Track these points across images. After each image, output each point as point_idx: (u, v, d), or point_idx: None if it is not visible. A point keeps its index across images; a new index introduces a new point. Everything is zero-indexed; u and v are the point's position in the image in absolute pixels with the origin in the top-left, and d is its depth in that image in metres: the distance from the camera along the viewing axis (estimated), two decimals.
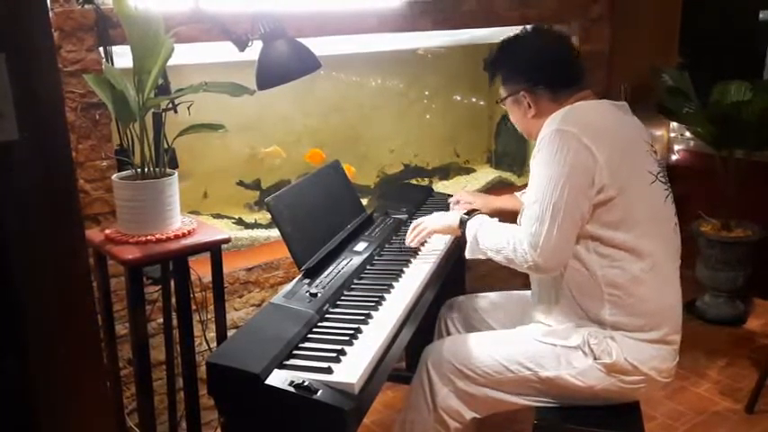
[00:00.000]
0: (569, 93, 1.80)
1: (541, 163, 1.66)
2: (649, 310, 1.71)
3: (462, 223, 1.87)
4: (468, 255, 1.82)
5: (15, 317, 0.91)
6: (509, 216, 2.12)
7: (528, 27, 1.88)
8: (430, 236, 2.01)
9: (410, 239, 1.98)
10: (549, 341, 1.75)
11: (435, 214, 2.01)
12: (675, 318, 1.76)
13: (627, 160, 1.68)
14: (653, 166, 1.76)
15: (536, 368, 1.73)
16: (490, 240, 1.74)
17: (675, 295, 1.78)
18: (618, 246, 1.68)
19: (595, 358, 1.70)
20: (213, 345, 2.13)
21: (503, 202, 2.29)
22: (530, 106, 1.83)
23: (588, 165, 1.63)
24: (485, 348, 1.79)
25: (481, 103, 3.61)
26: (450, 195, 2.54)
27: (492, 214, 2.18)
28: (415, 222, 2.01)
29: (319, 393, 1.30)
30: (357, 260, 1.87)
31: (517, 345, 1.78)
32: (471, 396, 1.78)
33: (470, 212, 1.90)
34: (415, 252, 1.99)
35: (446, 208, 2.36)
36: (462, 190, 2.43)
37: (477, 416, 1.81)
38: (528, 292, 2.05)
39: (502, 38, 1.89)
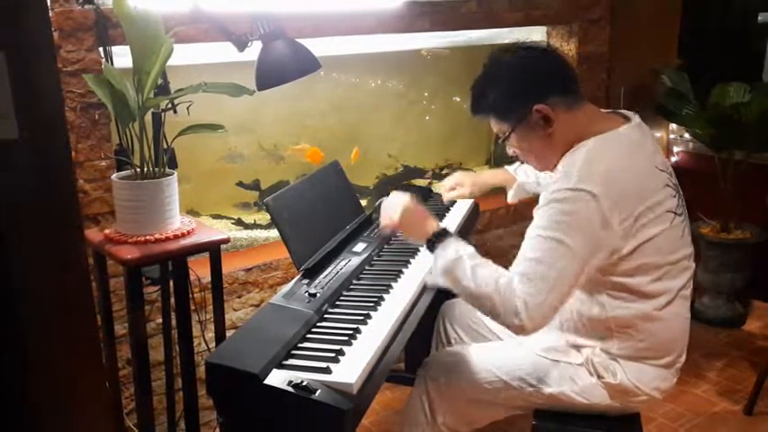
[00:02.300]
0: (579, 95, 1.65)
1: (552, 219, 1.51)
2: (658, 342, 1.66)
3: (431, 244, 1.65)
4: (428, 281, 1.69)
5: (14, 317, 0.91)
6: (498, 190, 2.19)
7: (495, 53, 1.73)
8: (388, 226, 1.78)
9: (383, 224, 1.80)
10: (552, 357, 1.72)
11: (405, 208, 1.74)
12: (683, 343, 1.72)
13: (647, 212, 1.55)
14: (672, 202, 1.63)
15: (538, 384, 1.70)
16: (469, 280, 1.54)
17: (685, 323, 1.71)
18: (631, 290, 1.60)
19: (599, 377, 1.67)
20: (212, 345, 2.13)
21: (492, 177, 2.30)
22: (547, 121, 1.61)
23: (603, 235, 1.50)
24: (485, 364, 1.75)
25: None
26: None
27: (482, 191, 2.24)
28: (385, 206, 1.79)
29: (318, 393, 1.30)
30: (356, 261, 1.87)
31: (518, 360, 1.74)
32: (471, 411, 1.76)
33: (441, 234, 1.65)
34: (414, 253, 1.98)
35: (445, 210, 2.36)
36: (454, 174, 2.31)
37: (477, 427, 1.81)
38: None
39: (472, 82, 1.73)
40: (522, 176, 2.24)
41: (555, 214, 1.51)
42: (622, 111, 1.74)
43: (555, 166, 1.66)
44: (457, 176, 2.28)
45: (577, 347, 1.71)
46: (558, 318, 1.66)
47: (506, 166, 2.29)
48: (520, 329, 1.49)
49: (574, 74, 1.70)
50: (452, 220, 2.28)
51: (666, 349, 1.69)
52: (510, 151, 1.74)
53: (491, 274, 1.53)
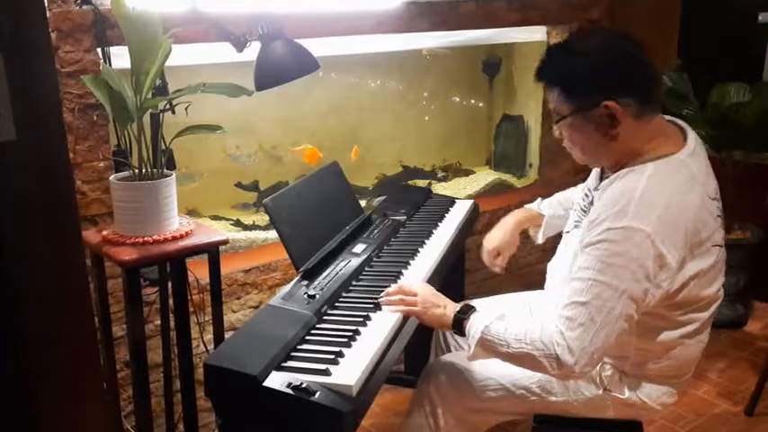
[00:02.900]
0: (651, 108, 1.52)
1: (603, 260, 1.41)
2: (676, 365, 1.63)
3: (458, 321, 1.57)
4: (470, 359, 1.60)
5: (10, 319, 0.91)
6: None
7: (587, 30, 1.60)
8: (408, 315, 1.64)
9: (385, 300, 1.65)
10: None
11: (432, 294, 1.66)
12: (696, 362, 1.68)
13: (698, 247, 1.48)
14: (719, 235, 1.55)
15: (542, 394, 1.67)
16: (505, 347, 1.48)
17: (703, 345, 1.66)
18: (665, 319, 1.55)
19: (605, 389, 1.63)
20: (211, 347, 2.13)
21: (517, 224, 2.03)
22: (613, 123, 1.48)
23: (655, 271, 1.41)
24: (489, 372, 1.71)
25: (480, 104, 3.61)
26: (450, 198, 2.54)
27: (516, 241, 2.01)
28: (405, 293, 1.66)
29: (317, 395, 1.29)
30: (355, 262, 1.87)
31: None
32: (474, 417, 1.74)
33: (466, 310, 1.58)
34: (413, 254, 1.98)
35: (444, 211, 2.35)
36: (486, 243, 2.03)
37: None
38: (529, 293, 2.03)
39: (562, 38, 1.61)
40: (547, 209, 2.05)
41: (606, 256, 1.41)
42: (677, 121, 1.63)
43: (601, 166, 1.60)
44: (491, 244, 2.02)
45: None
46: None
47: (526, 205, 2.10)
48: (566, 375, 1.47)
49: (658, 88, 1.58)
50: (451, 222, 2.28)
51: (682, 371, 1.66)
52: (556, 133, 1.61)
53: (523, 332, 1.47)
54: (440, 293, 1.67)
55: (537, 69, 1.57)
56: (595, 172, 1.74)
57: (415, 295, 1.64)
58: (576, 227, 1.70)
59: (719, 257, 1.56)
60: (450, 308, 1.61)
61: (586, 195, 1.72)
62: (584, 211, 1.67)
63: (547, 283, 1.83)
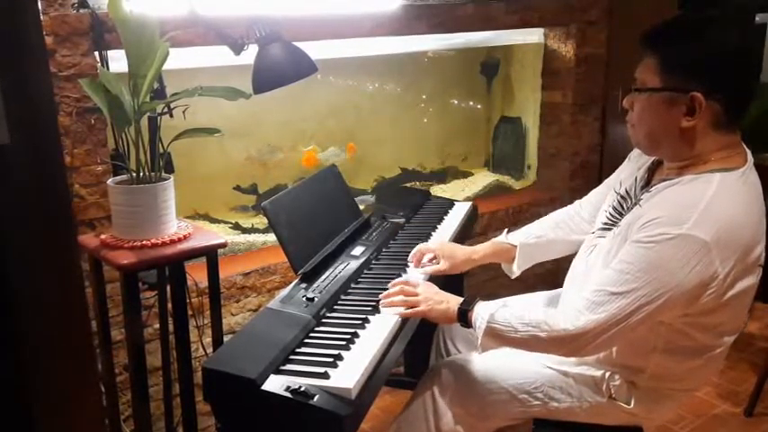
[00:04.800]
0: (736, 124, 1.47)
1: (650, 260, 1.37)
2: (692, 381, 1.60)
3: (462, 313, 1.57)
4: (481, 350, 1.57)
5: (4, 323, 0.91)
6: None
7: (724, 16, 1.46)
8: (415, 317, 1.64)
9: (388, 302, 1.65)
10: (562, 369, 1.65)
11: (433, 290, 1.67)
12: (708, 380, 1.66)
13: (748, 266, 1.43)
14: (764, 254, 1.49)
15: (546, 399, 1.65)
16: (512, 332, 1.48)
17: (720, 366, 1.62)
18: (695, 343, 1.50)
19: (610, 397, 1.60)
20: (210, 350, 2.12)
21: (482, 253, 1.93)
22: (691, 114, 1.42)
23: (705, 280, 1.37)
24: (493, 376, 1.69)
25: (478, 106, 3.61)
26: (448, 200, 2.53)
27: (463, 270, 1.92)
28: (406, 289, 1.67)
29: (316, 399, 1.29)
30: (354, 264, 1.86)
31: (527, 373, 1.68)
32: (475, 420, 1.72)
33: (470, 301, 1.58)
34: (407, 265, 1.96)
35: (443, 213, 2.35)
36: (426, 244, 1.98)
37: None
38: (531, 294, 2.02)
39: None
40: (523, 239, 1.94)
41: (655, 257, 1.36)
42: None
43: (657, 155, 1.55)
44: (438, 247, 1.95)
45: (595, 364, 1.63)
46: None
47: (498, 238, 1.98)
48: (573, 351, 1.45)
49: (748, 106, 1.51)
50: (450, 224, 2.28)
51: (696, 385, 1.64)
52: (626, 104, 1.54)
53: (528, 316, 1.47)
54: (442, 291, 1.67)
55: (649, 30, 1.49)
56: (632, 172, 1.68)
57: (416, 295, 1.64)
58: (606, 228, 1.63)
59: (759, 278, 1.50)
60: (453, 301, 1.61)
61: (623, 198, 1.65)
62: (620, 214, 1.61)
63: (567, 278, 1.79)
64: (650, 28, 1.49)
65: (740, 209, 1.41)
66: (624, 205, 1.63)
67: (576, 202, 1.97)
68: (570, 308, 1.44)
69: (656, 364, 1.55)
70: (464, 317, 1.57)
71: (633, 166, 1.72)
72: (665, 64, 1.45)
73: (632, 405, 1.59)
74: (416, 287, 1.67)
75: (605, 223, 1.66)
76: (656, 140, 1.51)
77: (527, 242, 1.94)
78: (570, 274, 1.77)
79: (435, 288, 1.68)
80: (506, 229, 2.01)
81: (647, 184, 1.61)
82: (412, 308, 1.62)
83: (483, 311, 1.53)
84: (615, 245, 1.51)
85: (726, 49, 1.43)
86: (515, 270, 1.95)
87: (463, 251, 1.95)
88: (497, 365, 1.72)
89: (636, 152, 1.73)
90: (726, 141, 1.48)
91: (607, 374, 1.60)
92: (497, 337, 1.51)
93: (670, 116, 1.45)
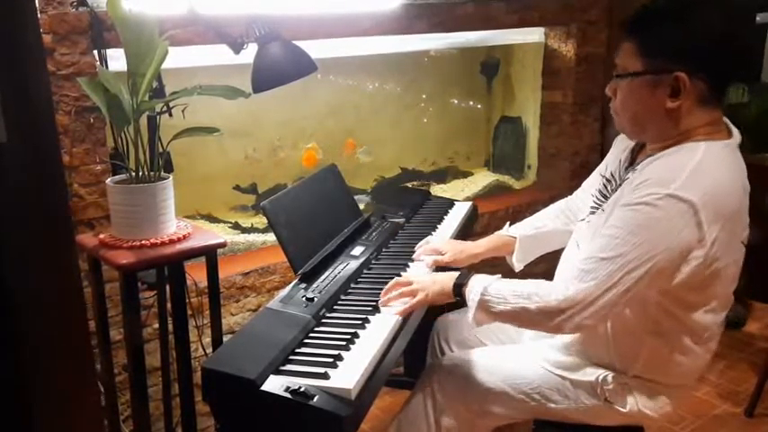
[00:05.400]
0: (718, 99, 1.47)
1: (638, 222, 1.38)
2: (684, 371, 1.60)
3: (458, 288, 1.59)
4: (474, 324, 1.57)
5: (2, 323, 0.90)
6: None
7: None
8: (419, 306, 1.64)
9: (386, 299, 1.65)
10: (560, 373, 1.65)
11: (425, 276, 1.71)
12: (700, 373, 1.65)
13: (733, 237, 1.45)
14: (746, 232, 1.53)
15: (542, 400, 1.65)
16: (502, 293, 1.49)
17: (710, 356, 1.62)
18: (680, 324, 1.51)
19: (606, 401, 1.61)
20: (209, 350, 2.12)
21: (485, 247, 1.97)
22: (675, 95, 1.43)
23: (692, 244, 1.38)
24: (491, 374, 1.70)
25: (478, 106, 3.61)
26: (448, 200, 2.53)
27: (465, 264, 1.93)
28: (400, 281, 1.68)
29: (316, 399, 1.28)
30: (354, 264, 1.86)
31: (525, 373, 1.68)
32: (475, 418, 1.72)
33: (464, 275, 1.60)
34: (411, 257, 1.97)
35: (443, 213, 2.35)
36: (429, 242, 2.00)
37: None
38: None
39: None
40: (523, 230, 1.98)
41: (643, 219, 1.37)
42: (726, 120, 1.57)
43: (642, 139, 1.56)
44: (433, 248, 1.96)
45: (590, 366, 1.64)
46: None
47: (500, 232, 2.01)
48: (558, 327, 1.43)
49: (733, 80, 1.51)
50: (450, 224, 2.27)
51: (687, 379, 1.64)
52: (609, 91, 1.55)
53: (521, 288, 1.48)
54: (434, 273, 1.67)
55: (629, 18, 1.49)
56: (617, 155, 1.70)
57: (411, 284, 1.65)
58: (592, 213, 1.66)
59: (743, 255, 1.53)
60: (447, 278, 1.62)
61: (608, 180, 1.67)
62: (605, 197, 1.63)
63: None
64: (634, 13, 1.49)
65: (727, 176, 1.43)
66: (609, 188, 1.66)
67: (573, 194, 2.01)
68: (560, 279, 1.45)
69: (648, 350, 1.55)
70: (459, 291, 1.58)
71: (617, 150, 1.74)
72: (645, 47, 1.45)
73: (627, 407, 1.61)
74: (410, 278, 1.69)
75: (592, 206, 1.69)
76: (641, 124, 1.52)
77: (527, 234, 1.97)
78: (563, 257, 1.79)
79: (426, 270, 1.69)
80: (508, 222, 2.04)
81: (632, 164, 1.63)
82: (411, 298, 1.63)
83: (477, 285, 1.54)
84: (602, 220, 1.53)
85: (708, 28, 1.43)
86: (516, 263, 1.97)
87: (465, 245, 1.98)
88: (495, 364, 1.73)
89: (620, 137, 1.74)
90: (710, 117, 1.49)
91: (601, 378, 1.61)
92: (490, 309, 1.52)
93: (654, 99, 1.46)
